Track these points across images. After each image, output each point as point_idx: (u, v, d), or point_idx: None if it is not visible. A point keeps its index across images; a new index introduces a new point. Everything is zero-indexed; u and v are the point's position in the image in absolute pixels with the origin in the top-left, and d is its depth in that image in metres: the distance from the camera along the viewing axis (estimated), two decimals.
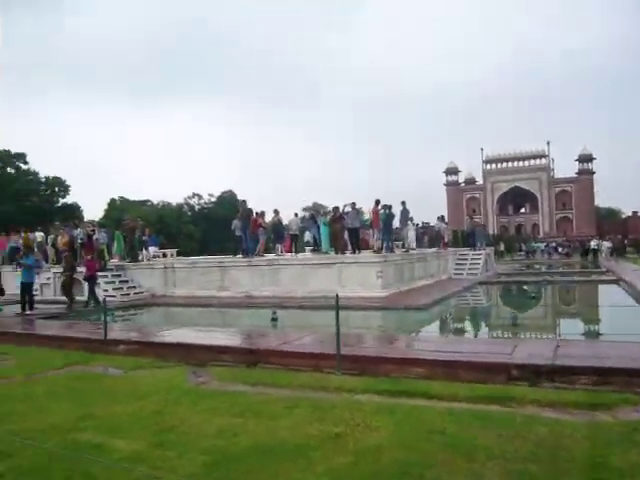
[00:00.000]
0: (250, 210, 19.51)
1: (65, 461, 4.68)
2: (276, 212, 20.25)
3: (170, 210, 75.20)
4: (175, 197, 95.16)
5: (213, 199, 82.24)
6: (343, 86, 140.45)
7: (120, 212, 65.77)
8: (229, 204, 77.62)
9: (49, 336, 11.07)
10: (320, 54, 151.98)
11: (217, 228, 74.85)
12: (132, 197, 77.38)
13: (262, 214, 20.05)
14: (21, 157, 63.12)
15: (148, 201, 78.79)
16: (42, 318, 14.32)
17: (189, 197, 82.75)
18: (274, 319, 12.80)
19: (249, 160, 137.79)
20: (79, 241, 20.18)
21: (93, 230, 20.58)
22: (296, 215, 22.50)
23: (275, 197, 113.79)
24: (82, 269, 17.91)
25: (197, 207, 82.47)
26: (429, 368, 7.07)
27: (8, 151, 62.43)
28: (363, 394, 6.50)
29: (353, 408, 5.86)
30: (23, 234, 24.47)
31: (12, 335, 11.64)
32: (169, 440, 5.12)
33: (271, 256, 19.74)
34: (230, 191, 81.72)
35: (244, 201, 19.65)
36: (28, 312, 14.95)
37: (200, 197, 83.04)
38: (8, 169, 61.88)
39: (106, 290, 18.75)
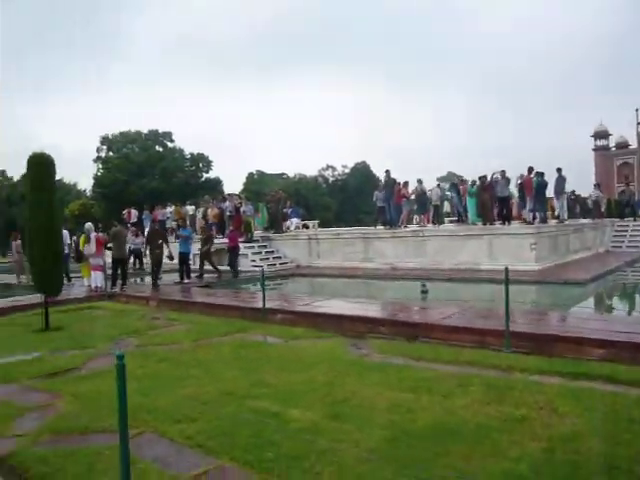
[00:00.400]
0: (394, 180, 19.19)
1: (247, 427, 4.75)
2: (420, 182, 19.72)
3: (306, 182, 76.76)
4: (310, 169, 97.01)
5: (347, 170, 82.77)
6: (469, 53, 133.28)
7: (258, 185, 68.42)
8: (362, 175, 77.87)
9: (209, 304, 11.59)
10: (447, 19, 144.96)
11: (351, 199, 75.50)
12: (268, 170, 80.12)
13: (405, 184, 19.65)
14: (167, 136, 67.48)
15: (284, 174, 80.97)
16: (198, 286, 15.11)
17: (323, 169, 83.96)
18: (424, 292, 12.48)
19: (380, 130, 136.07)
20: (228, 213, 21.10)
21: (240, 202, 21.45)
22: (438, 185, 21.88)
23: (406, 167, 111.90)
24: (224, 240, 18.61)
25: (331, 179, 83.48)
26: (613, 350, 6.43)
27: (156, 130, 66.98)
28: (539, 375, 6.05)
29: (533, 390, 5.46)
30: (172, 207, 26.11)
31: (175, 302, 12.35)
32: (344, 413, 5.05)
33: (415, 227, 19.37)
34: (363, 162, 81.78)
35: (388, 171, 19.32)
36: (186, 281, 15.84)
37: (334, 169, 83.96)
38: (157, 147, 66.35)
39: (253, 260, 19.48)
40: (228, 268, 17.65)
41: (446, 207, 22.91)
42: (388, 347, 7.60)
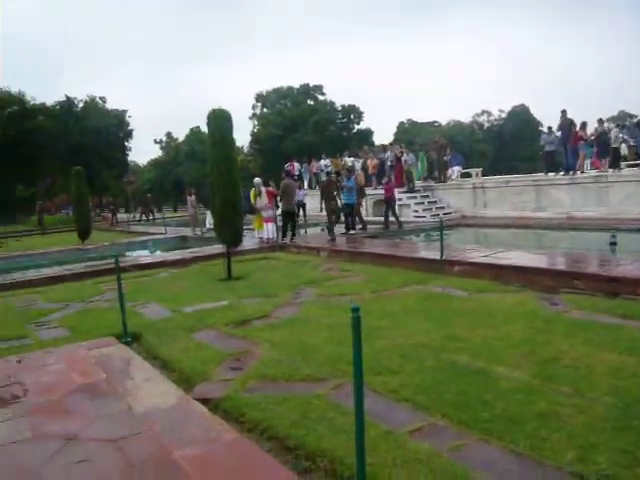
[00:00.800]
0: (571, 121, 17.52)
1: (452, 383, 4.57)
2: (600, 122, 17.77)
3: (460, 129, 73.87)
4: (463, 116, 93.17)
5: (503, 115, 78.05)
6: None
7: (408, 134, 67.13)
8: (520, 120, 73.15)
9: (381, 255, 11.45)
10: None
11: (507, 145, 71.53)
12: (419, 119, 78.18)
13: (583, 125, 17.89)
14: (318, 89, 68.11)
15: (435, 122, 78.56)
16: (364, 237, 15.09)
17: (477, 115, 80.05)
18: (613, 243, 11.37)
19: (540, 71, 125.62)
20: (389, 163, 20.77)
21: (402, 152, 20.96)
22: (617, 126, 19.71)
23: (571, 109, 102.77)
24: (378, 192, 18.24)
25: (486, 124, 79.39)
26: None
27: (307, 85, 67.87)
28: None
29: None
30: (327, 160, 26.32)
31: (346, 253, 12.40)
32: (557, 374, 4.65)
33: (595, 172, 17.66)
34: (522, 105, 76.32)
35: (564, 111, 17.60)
36: (352, 232, 15.87)
37: (489, 114, 79.64)
38: (308, 101, 67.30)
39: (416, 211, 19.11)
40: (383, 219, 17.42)
41: (624, 149, 20.58)
42: (587, 303, 6.96)
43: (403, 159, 20.60)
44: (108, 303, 9.15)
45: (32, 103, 47.25)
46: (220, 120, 10.01)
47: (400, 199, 19.49)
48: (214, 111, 10.02)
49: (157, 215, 38.94)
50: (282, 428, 3.97)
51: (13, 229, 37.22)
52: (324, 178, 25.48)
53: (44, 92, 76.33)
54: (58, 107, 49.76)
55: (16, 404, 4.77)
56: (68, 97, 50.25)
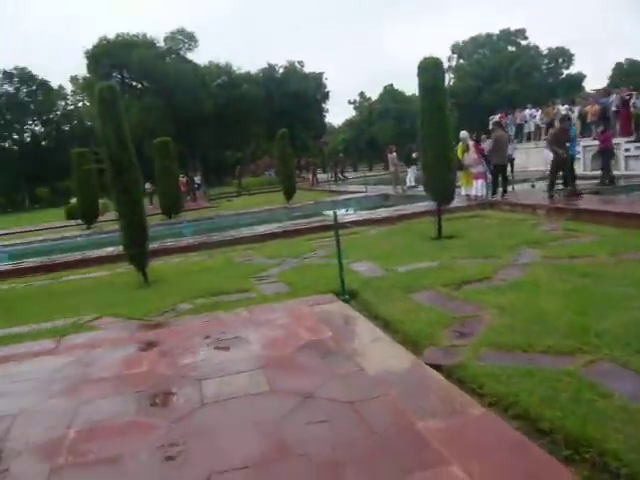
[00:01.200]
0: None
1: None
2: None
3: None
4: None
5: None
6: None
7: (630, 77, 59.55)
8: None
9: (616, 213, 9.99)
10: None
11: None
12: None
13: None
14: (520, 33, 63.43)
15: None
16: (586, 193, 13.54)
17: None
18: None
19: None
20: (613, 109, 18.37)
21: (630, 94, 18.35)
22: None
23: None
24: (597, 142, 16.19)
25: None
26: None
27: (507, 29, 63.45)
28: None
29: None
30: (532, 110, 24.35)
31: (569, 211, 11.08)
32: None
33: None
34: None
35: None
36: (569, 187, 14.33)
37: None
38: (509, 48, 63.01)
39: None
40: (600, 173, 15.54)
41: None
42: None
43: (631, 102, 17.99)
44: (322, 260, 9.29)
45: (238, 72, 50.57)
46: (431, 69, 9.46)
47: (627, 150, 17.22)
48: (425, 59, 9.49)
49: (347, 175, 39.87)
50: (532, 406, 3.48)
51: (222, 191, 40.70)
52: (532, 129, 23.79)
53: (247, 61, 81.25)
54: (261, 74, 52.69)
55: (251, 357, 4.88)
56: (269, 64, 52.91)
